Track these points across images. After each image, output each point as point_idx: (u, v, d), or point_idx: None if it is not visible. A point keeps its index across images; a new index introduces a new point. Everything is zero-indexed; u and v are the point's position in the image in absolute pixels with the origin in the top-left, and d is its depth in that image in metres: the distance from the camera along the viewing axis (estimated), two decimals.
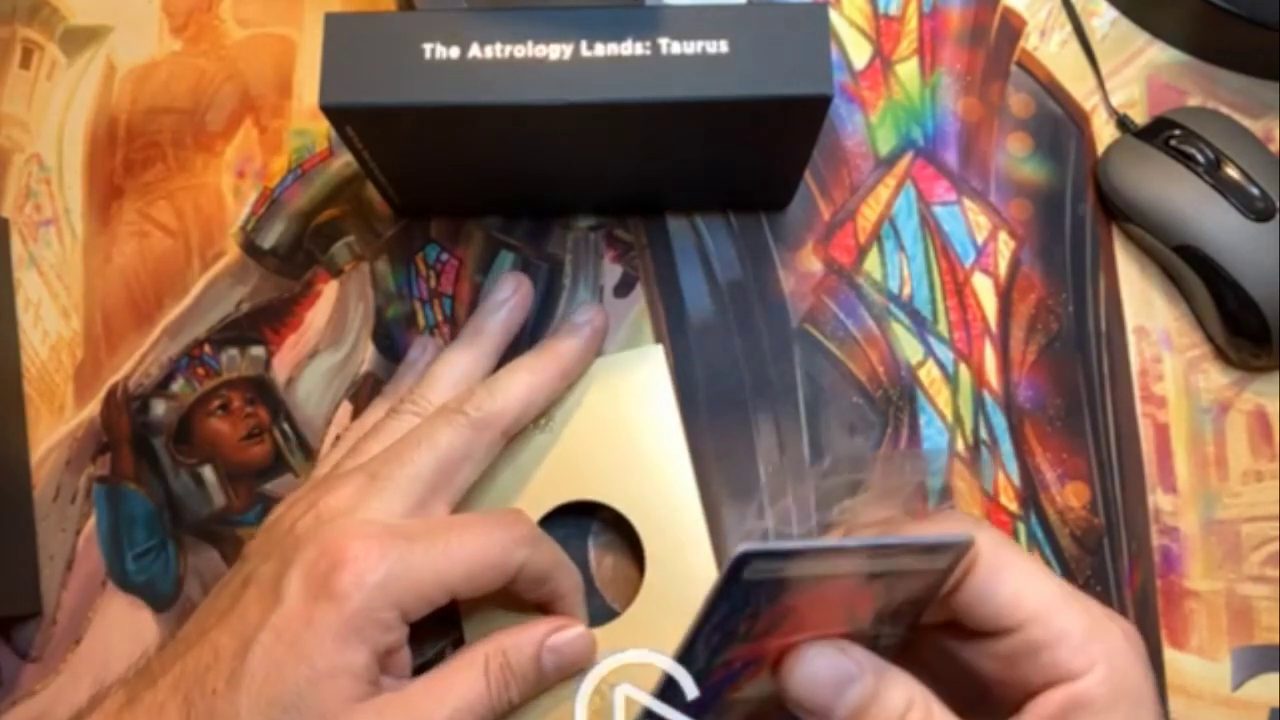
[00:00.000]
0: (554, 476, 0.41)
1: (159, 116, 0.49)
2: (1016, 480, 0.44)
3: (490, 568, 0.34)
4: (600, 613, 0.41)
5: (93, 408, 0.45)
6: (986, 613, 0.28)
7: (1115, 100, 0.48)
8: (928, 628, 0.30)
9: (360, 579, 0.32)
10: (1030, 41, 0.49)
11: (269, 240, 0.47)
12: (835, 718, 0.26)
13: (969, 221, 0.47)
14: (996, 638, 0.28)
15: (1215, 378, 0.45)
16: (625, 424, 0.42)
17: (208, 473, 0.45)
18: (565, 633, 0.36)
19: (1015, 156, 0.48)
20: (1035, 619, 0.27)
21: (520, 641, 0.35)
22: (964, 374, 0.45)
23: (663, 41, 0.36)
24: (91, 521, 0.44)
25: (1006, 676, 0.28)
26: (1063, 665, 0.27)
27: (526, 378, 0.39)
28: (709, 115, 0.37)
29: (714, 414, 0.44)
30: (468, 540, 0.34)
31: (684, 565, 0.40)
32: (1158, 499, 0.44)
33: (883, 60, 0.49)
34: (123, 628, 0.43)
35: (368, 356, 0.46)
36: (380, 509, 0.34)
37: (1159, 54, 0.49)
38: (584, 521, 0.42)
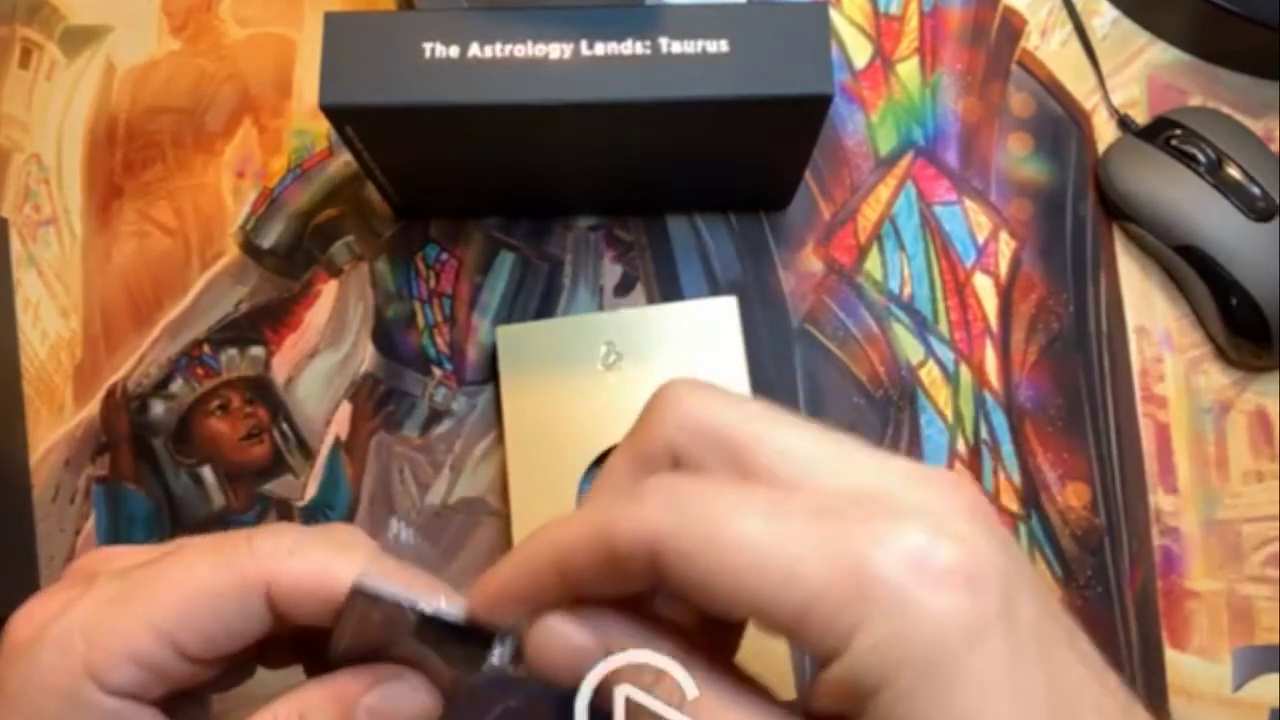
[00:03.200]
0: (618, 415, 0.42)
1: (158, 116, 0.49)
2: (1017, 480, 0.44)
3: (214, 597, 0.24)
4: None
5: (92, 408, 0.45)
6: (706, 606, 0.20)
7: (1116, 100, 0.48)
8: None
9: (18, 644, 0.24)
10: (1031, 41, 0.49)
11: (268, 240, 0.47)
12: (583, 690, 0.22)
13: (970, 221, 0.47)
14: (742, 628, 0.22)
15: (1216, 378, 0.45)
16: (693, 369, 0.42)
17: (207, 473, 0.44)
18: (388, 687, 0.25)
19: (1016, 156, 0.48)
20: (759, 598, 0.19)
21: (325, 699, 0.25)
22: (964, 374, 0.45)
23: (663, 41, 0.36)
24: (91, 522, 0.44)
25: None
26: (817, 644, 0.18)
27: None
28: (709, 115, 0.37)
29: None
30: (173, 568, 0.25)
31: None
32: (1158, 499, 0.44)
33: (883, 60, 0.49)
34: None
35: (367, 356, 0.46)
36: None
37: (1160, 53, 0.49)
38: None
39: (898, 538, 0.18)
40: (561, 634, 0.22)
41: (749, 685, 0.22)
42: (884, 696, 0.18)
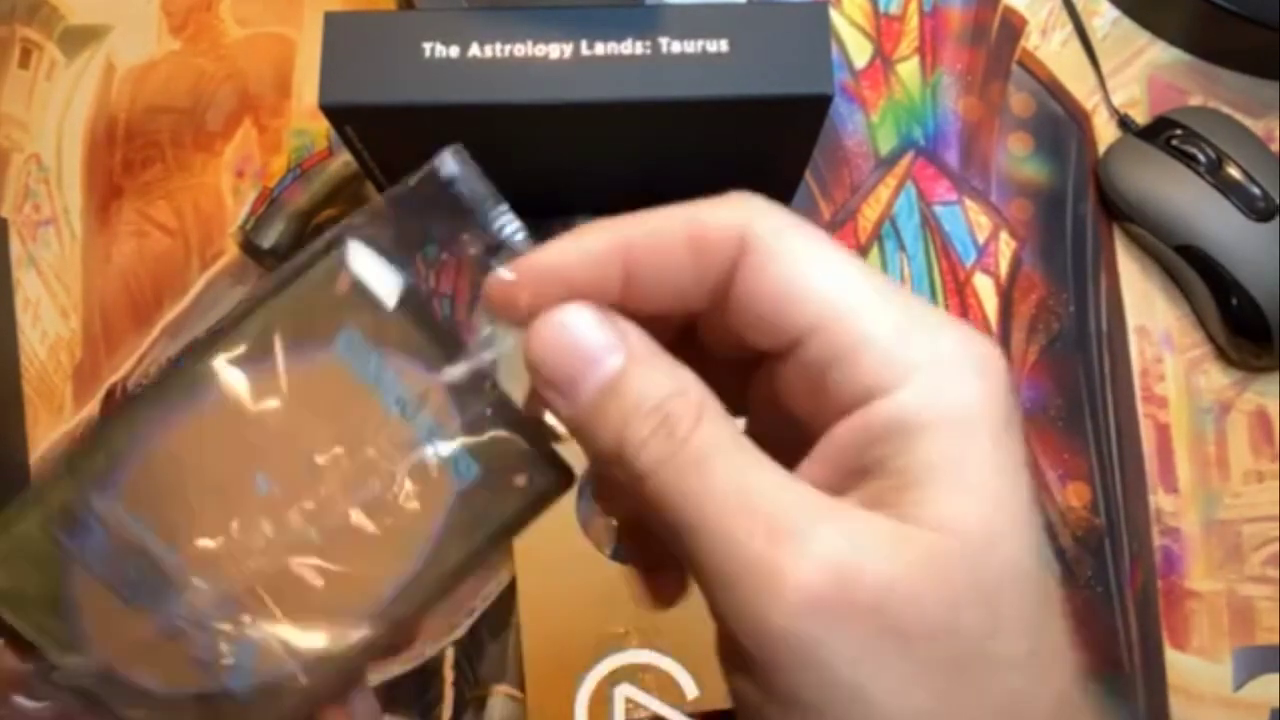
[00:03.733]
0: None
1: (158, 116, 0.49)
2: None
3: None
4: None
5: (91, 408, 0.45)
6: (766, 318, 0.20)
7: (1116, 100, 0.48)
8: (709, 363, 0.21)
9: None
10: (1031, 41, 0.49)
11: (268, 240, 0.47)
12: (580, 395, 0.20)
13: (970, 221, 0.47)
14: (785, 357, 0.20)
15: (1216, 378, 0.45)
16: None
17: None
18: None
19: (1016, 156, 0.48)
20: (829, 321, 0.19)
21: None
22: None
23: (663, 41, 0.36)
24: None
25: (802, 406, 0.20)
26: (864, 379, 0.19)
27: None
28: (709, 115, 0.37)
29: None
30: None
31: None
32: (1159, 499, 0.44)
33: (883, 59, 0.49)
34: None
35: None
36: None
37: (1160, 53, 0.49)
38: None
39: (969, 337, 0.20)
40: (579, 317, 0.20)
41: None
42: (913, 441, 0.18)
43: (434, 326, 0.22)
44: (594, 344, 0.20)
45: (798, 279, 0.20)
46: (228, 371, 0.21)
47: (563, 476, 0.22)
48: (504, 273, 0.21)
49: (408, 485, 0.22)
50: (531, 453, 0.22)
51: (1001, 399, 0.19)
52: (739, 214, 0.20)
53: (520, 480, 0.22)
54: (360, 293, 0.22)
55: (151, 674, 0.21)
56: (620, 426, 0.19)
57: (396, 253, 0.22)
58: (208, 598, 0.21)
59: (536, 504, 0.22)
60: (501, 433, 0.22)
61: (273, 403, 0.21)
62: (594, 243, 0.21)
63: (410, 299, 0.22)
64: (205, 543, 0.21)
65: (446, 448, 0.22)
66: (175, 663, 0.21)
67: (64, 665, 0.21)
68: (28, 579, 0.21)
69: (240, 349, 0.21)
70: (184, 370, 0.21)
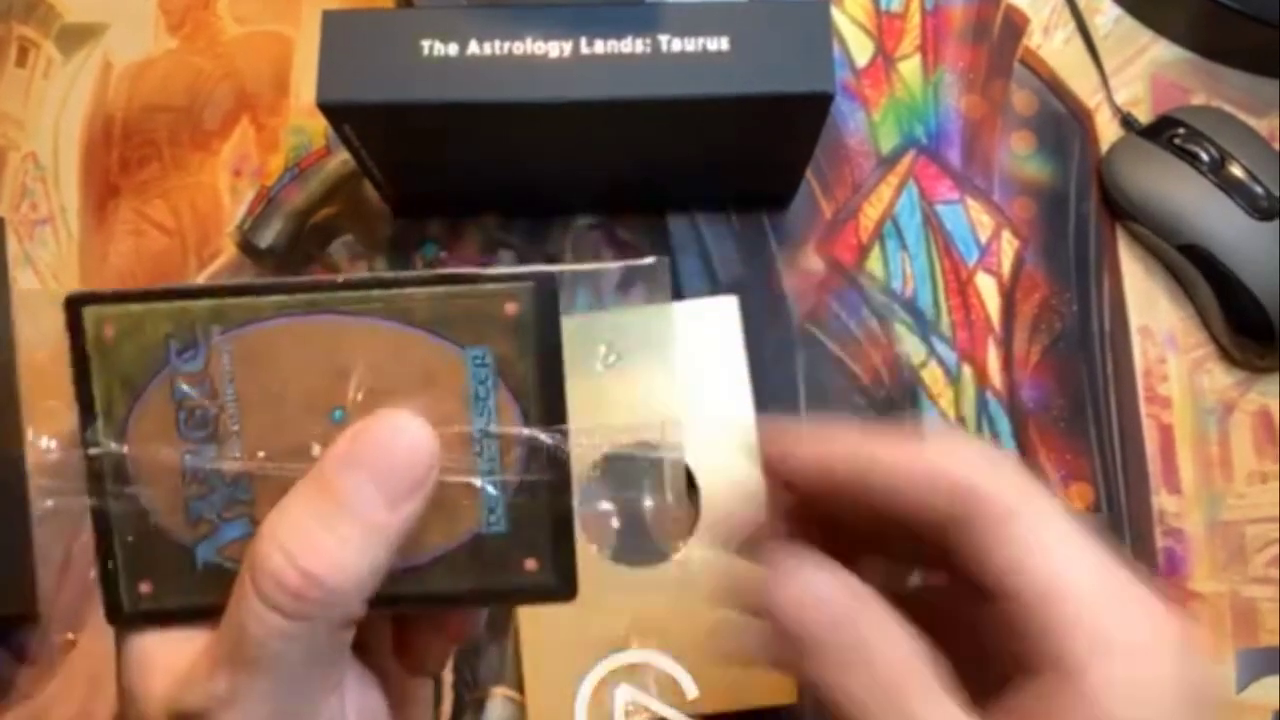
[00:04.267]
0: (617, 417, 0.41)
1: (155, 115, 0.49)
2: None
3: None
4: (651, 555, 0.41)
5: None
6: (990, 568, 0.23)
7: (1119, 98, 0.48)
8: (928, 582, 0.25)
9: None
10: (1033, 39, 0.49)
11: (266, 239, 0.47)
12: (825, 654, 0.23)
13: (972, 220, 0.46)
14: (997, 601, 0.23)
15: (1220, 378, 0.45)
16: (692, 368, 0.42)
17: None
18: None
19: (1018, 155, 0.47)
20: (1046, 592, 0.22)
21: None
22: (967, 374, 0.45)
23: (663, 38, 0.35)
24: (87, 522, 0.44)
25: (1000, 646, 0.23)
26: (1064, 654, 0.22)
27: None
28: (709, 113, 0.37)
29: None
30: None
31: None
32: (1162, 500, 0.43)
33: (885, 57, 0.49)
34: None
35: None
36: None
37: (1163, 52, 0.48)
38: None
39: (1166, 616, 0.23)
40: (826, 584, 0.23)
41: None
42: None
43: (554, 391, 0.23)
44: (841, 607, 0.23)
45: (1038, 548, 0.22)
46: (370, 313, 0.23)
47: (567, 588, 0.23)
48: (779, 435, 0.25)
49: (444, 494, 0.23)
50: (554, 549, 0.23)
51: (1192, 683, 0.22)
52: (979, 468, 0.23)
53: (531, 564, 0.23)
54: (520, 326, 0.23)
55: (150, 496, 0.23)
56: (866, 681, 0.22)
57: (564, 314, 0.24)
58: (237, 470, 0.23)
59: (531, 594, 0.23)
60: (543, 515, 0.23)
61: (387, 358, 0.23)
62: (848, 442, 0.24)
63: (551, 357, 0.23)
64: (265, 429, 0.23)
65: (493, 492, 0.23)
66: (173, 500, 0.23)
67: (99, 435, 0.23)
68: (127, 353, 0.23)
69: (395, 306, 0.23)
70: (341, 289, 0.23)
